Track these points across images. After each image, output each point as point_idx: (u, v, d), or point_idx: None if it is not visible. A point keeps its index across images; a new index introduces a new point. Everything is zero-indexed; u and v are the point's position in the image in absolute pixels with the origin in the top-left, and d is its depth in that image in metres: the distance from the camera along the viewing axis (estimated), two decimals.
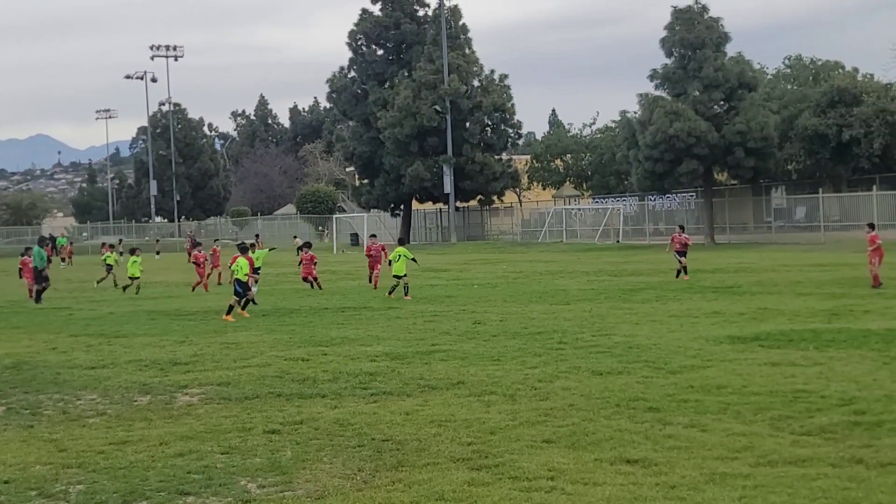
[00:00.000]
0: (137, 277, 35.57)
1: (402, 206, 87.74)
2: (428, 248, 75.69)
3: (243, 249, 27.05)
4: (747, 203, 68.57)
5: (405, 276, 29.00)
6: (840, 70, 70.36)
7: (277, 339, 20.00)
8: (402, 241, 26.66)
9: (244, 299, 25.71)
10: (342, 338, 19.91)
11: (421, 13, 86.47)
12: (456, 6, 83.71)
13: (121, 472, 9.97)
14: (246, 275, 25.58)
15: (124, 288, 35.89)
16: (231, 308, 25.03)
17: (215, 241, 39.04)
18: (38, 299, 31.70)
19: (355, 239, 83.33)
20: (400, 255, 29.20)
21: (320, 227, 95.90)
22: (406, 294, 28.66)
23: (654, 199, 72.35)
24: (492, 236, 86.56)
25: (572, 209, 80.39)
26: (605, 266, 41.93)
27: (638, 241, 68.10)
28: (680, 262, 33.07)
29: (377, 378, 14.81)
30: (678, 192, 69.53)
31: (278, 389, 14.10)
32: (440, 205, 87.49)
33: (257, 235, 66.03)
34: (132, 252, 37.01)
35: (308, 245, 35.19)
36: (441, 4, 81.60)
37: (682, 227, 35.89)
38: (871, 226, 29.51)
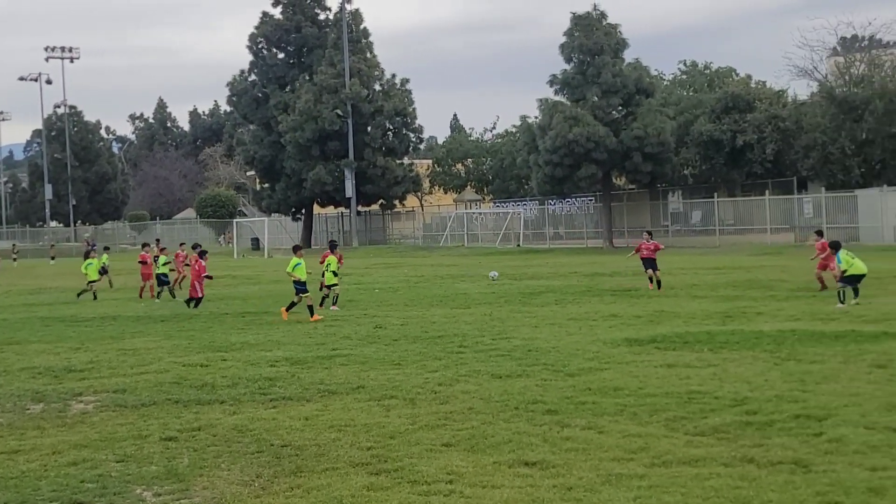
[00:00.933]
0: (94, 281, 34.22)
1: (303, 211, 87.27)
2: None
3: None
4: (645, 207, 69.57)
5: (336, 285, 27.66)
6: (734, 77, 71.83)
7: (176, 345, 19.75)
8: (297, 248, 25.92)
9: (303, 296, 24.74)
10: (242, 343, 19.74)
11: (322, 17, 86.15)
12: (357, 10, 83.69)
13: (12, 482, 9.77)
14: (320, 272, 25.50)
15: (79, 294, 34.44)
16: (310, 308, 24.31)
17: (181, 244, 37.25)
18: None
19: (256, 243, 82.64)
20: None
21: (220, 234, 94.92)
22: (334, 304, 26.84)
23: (554, 204, 73.00)
24: (393, 240, 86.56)
25: (473, 213, 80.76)
26: (505, 270, 42.18)
27: (538, 245, 68.67)
28: (650, 273, 29.47)
29: (277, 383, 14.72)
30: (578, 196, 70.21)
31: (176, 396, 13.93)
32: (342, 209, 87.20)
33: (158, 240, 64.71)
34: (86, 256, 36.05)
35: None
36: (342, 8, 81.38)
37: (649, 233, 32.23)
38: (820, 233, 29.54)
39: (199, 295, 28.56)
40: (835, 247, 25.22)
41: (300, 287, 24.77)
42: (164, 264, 33.02)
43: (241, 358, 17.50)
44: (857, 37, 62.89)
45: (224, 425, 11.95)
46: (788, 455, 9.64)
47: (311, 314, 24.11)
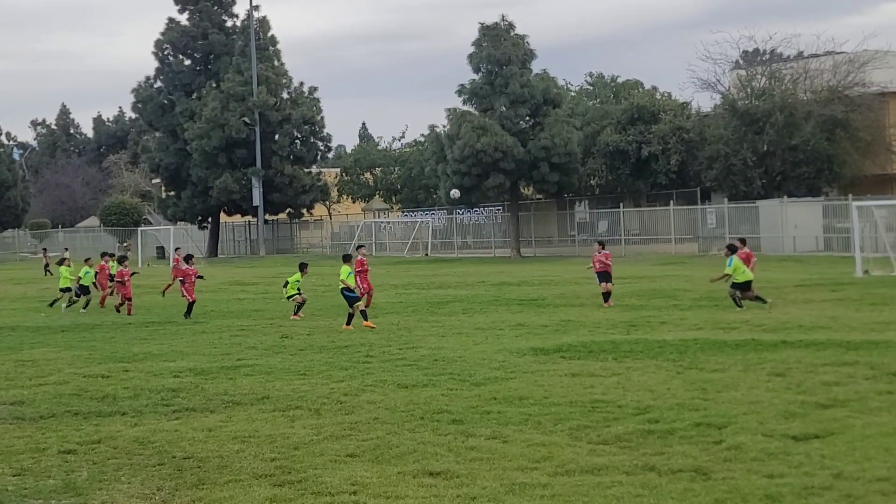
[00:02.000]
0: (68, 289, 32.98)
1: (209, 219, 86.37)
2: (236, 262, 74.80)
3: (346, 258, 25.14)
4: (552, 217, 70.17)
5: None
6: (639, 89, 72.82)
7: (76, 356, 19.39)
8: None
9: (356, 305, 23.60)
10: (145, 353, 19.46)
11: (229, 24, 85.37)
12: (265, 17, 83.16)
13: None
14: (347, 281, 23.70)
15: (53, 302, 33.23)
16: (364, 314, 23.42)
17: (176, 249, 35.81)
18: None
19: (161, 252, 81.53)
20: None
21: (124, 242, 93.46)
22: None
23: (463, 213, 73.30)
24: (301, 249, 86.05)
25: (382, 222, 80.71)
26: (413, 279, 42.25)
27: (446, 255, 68.85)
28: (604, 286, 27.75)
29: (180, 394, 14.53)
30: (486, 205, 70.62)
31: (76, 408, 13.67)
32: (249, 217, 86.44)
33: (66, 249, 63.27)
34: (61, 262, 34.89)
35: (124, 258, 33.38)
36: (250, 15, 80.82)
37: (601, 244, 29.74)
38: (742, 241, 29.31)
39: (193, 299, 27.73)
40: (731, 249, 26.42)
41: (352, 295, 23.62)
42: (86, 274, 31.89)
43: (144, 369, 17.25)
44: (759, 50, 64.18)
45: (125, 437, 11.76)
46: (689, 463, 9.78)
47: (365, 318, 23.20)
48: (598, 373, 15.27)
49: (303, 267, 28.55)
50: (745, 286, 25.07)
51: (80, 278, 31.76)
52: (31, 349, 20.84)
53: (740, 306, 24.70)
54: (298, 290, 27.56)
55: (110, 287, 32.23)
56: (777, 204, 53.07)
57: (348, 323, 23.26)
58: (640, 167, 63.15)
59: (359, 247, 31.70)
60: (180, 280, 28.74)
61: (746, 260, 27.42)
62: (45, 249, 69.03)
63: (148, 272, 60.21)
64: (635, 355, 16.94)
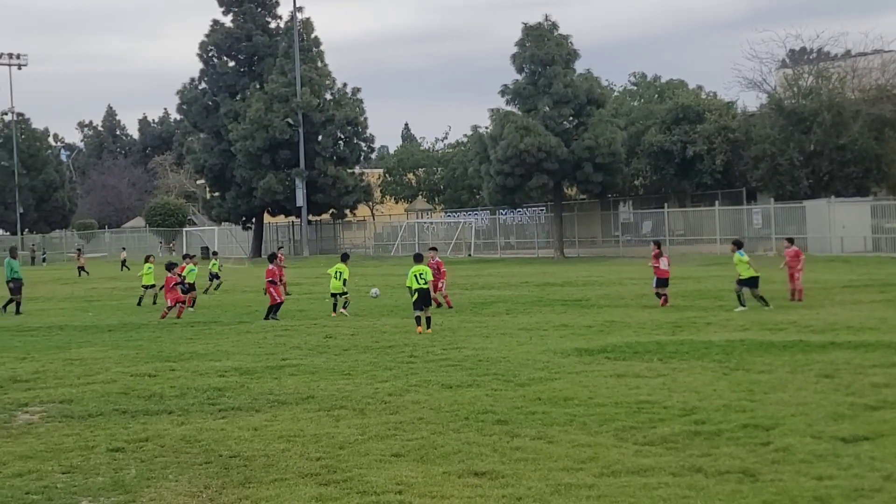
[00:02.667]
0: (152, 286, 33.57)
1: (253, 220, 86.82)
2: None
3: (418, 258, 24.27)
4: (596, 217, 69.93)
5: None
6: (684, 88, 72.42)
7: (124, 355, 19.55)
8: (420, 256, 24.44)
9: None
10: (191, 353, 19.59)
11: (273, 25, 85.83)
12: (308, 19, 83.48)
13: None
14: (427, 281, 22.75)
15: (140, 300, 33.67)
16: (423, 319, 22.49)
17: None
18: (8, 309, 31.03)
19: (206, 252, 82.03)
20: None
21: (169, 242, 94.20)
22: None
23: (506, 214, 73.22)
24: (344, 250, 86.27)
25: (424, 223, 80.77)
26: (456, 279, 42.20)
27: (489, 255, 68.78)
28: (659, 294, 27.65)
29: (226, 393, 14.61)
30: (529, 206, 70.51)
31: (123, 406, 13.78)
32: (292, 218, 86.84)
33: (123, 249, 63.70)
34: (146, 259, 35.40)
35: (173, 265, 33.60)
36: (293, 17, 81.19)
37: (657, 243, 29.49)
38: (790, 240, 29.46)
39: (280, 300, 27.67)
40: (737, 244, 26.76)
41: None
42: (191, 272, 32.08)
43: (190, 368, 17.35)
44: (806, 49, 63.66)
45: (172, 436, 11.83)
46: (736, 464, 9.70)
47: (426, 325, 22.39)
48: (644, 374, 15.19)
49: (345, 258, 29.32)
50: (751, 282, 25.43)
51: (184, 277, 31.64)
52: (79, 348, 21.05)
53: (743, 305, 25.05)
54: (344, 281, 27.99)
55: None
56: (824, 204, 52.55)
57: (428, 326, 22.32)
58: (685, 167, 62.81)
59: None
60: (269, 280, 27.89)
61: (795, 258, 27.51)
62: (79, 250, 69.80)
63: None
64: (681, 356, 16.84)
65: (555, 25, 63.57)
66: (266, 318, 26.73)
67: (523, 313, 26.17)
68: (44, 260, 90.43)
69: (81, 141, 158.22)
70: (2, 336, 24.31)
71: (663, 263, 27.79)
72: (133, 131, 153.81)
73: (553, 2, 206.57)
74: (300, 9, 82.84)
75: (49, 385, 15.93)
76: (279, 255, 34.01)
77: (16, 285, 31.25)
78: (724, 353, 16.89)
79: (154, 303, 33.07)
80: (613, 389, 13.92)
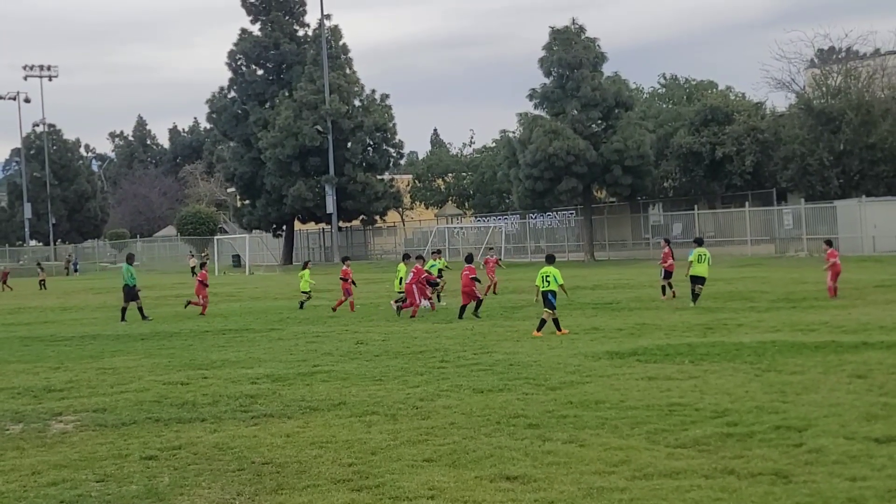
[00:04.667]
0: (308, 292, 34.26)
1: (284, 227, 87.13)
2: (311, 269, 75.25)
3: (550, 259, 23.93)
4: (626, 220, 69.75)
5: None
6: (713, 90, 72.14)
7: (156, 364, 19.67)
8: (552, 257, 24.50)
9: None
10: (223, 360, 19.68)
11: (301, 33, 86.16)
12: (336, 26, 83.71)
13: None
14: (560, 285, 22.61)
15: (301, 304, 34.03)
16: (544, 323, 22.18)
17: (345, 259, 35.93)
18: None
19: (237, 260, 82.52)
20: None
21: (202, 251, 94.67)
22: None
23: (535, 217, 73.16)
24: (375, 256, 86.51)
25: (455, 228, 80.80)
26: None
27: (520, 259, 68.69)
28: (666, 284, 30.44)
29: (258, 400, 14.67)
30: (558, 209, 70.44)
31: (156, 414, 13.86)
32: (323, 225, 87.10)
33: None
34: (304, 266, 36.51)
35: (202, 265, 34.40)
36: (321, 24, 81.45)
37: (667, 241, 32.34)
38: (829, 242, 30.07)
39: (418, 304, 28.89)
40: (698, 242, 29.13)
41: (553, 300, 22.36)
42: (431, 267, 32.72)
43: (222, 375, 17.44)
44: (834, 49, 63.32)
45: (205, 443, 11.90)
46: (769, 466, 9.66)
47: (540, 328, 22.11)
48: (675, 376, 15.15)
49: (406, 257, 31.88)
50: (697, 280, 27.74)
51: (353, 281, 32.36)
52: (112, 357, 21.19)
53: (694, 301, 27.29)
54: (401, 279, 30.13)
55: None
56: (855, 204, 52.22)
57: (539, 329, 22.09)
58: (715, 168, 62.57)
59: (490, 248, 33.82)
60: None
61: (828, 259, 27.83)
62: (70, 260, 70.22)
63: (224, 280, 60.93)
64: (712, 358, 16.78)
65: (582, 29, 63.58)
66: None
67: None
68: (76, 270, 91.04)
69: (112, 151, 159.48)
70: (36, 346, 24.51)
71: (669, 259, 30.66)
72: (163, 140, 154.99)
73: (580, 5, 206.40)
74: (328, 16, 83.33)
75: (82, 394, 16.04)
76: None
77: (132, 291, 31.43)
78: (755, 355, 16.82)
79: (301, 307, 33.42)
80: (645, 392, 13.89)
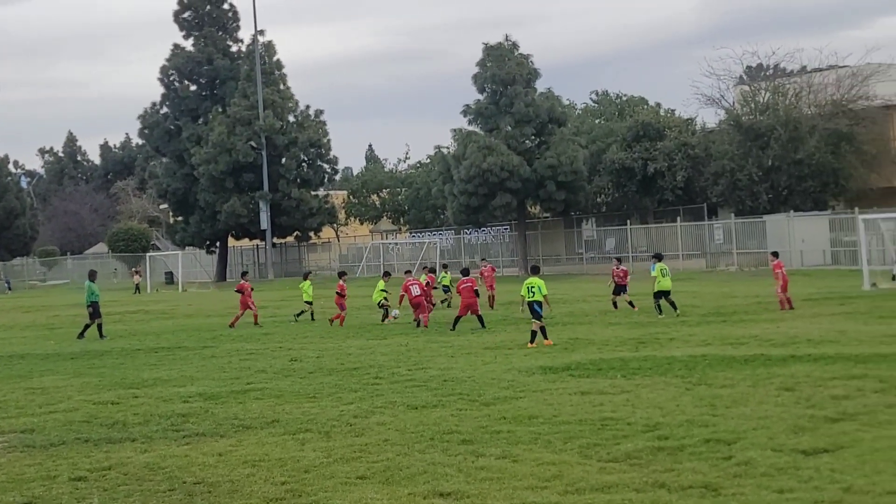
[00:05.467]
0: (310, 303, 34.40)
1: (217, 244, 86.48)
2: (312, 281, 74.72)
3: (534, 270, 24.63)
4: (559, 235, 70.18)
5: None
6: (644, 105, 72.94)
7: (86, 383, 19.42)
8: (536, 268, 25.09)
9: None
10: (154, 379, 19.48)
11: (234, 49, 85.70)
12: (270, 42, 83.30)
13: None
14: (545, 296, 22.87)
15: (296, 315, 34.36)
16: (535, 334, 22.37)
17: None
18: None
19: (170, 277, 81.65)
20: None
21: (134, 268, 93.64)
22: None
23: (470, 233, 73.37)
24: (310, 272, 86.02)
25: (389, 244, 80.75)
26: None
27: (454, 275, 68.67)
28: (613, 297, 31.87)
29: (190, 419, 14.55)
30: (493, 225, 70.68)
31: (86, 435, 13.69)
32: (257, 241, 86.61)
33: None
34: (305, 277, 37.00)
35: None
36: (255, 40, 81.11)
37: (619, 259, 34.43)
38: (775, 254, 30.90)
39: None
40: (657, 257, 30.06)
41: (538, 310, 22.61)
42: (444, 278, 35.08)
43: (154, 394, 17.27)
44: (762, 65, 64.32)
45: (135, 464, 11.77)
46: (699, 479, 9.77)
47: (532, 340, 22.25)
48: (608, 390, 15.27)
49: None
50: (664, 294, 28.60)
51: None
52: (40, 377, 20.88)
53: (661, 313, 28.10)
54: (385, 297, 30.87)
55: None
56: (784, 218, 53.05)
57: (532, 341, 22.29)
58: (647, 184, 63.21)
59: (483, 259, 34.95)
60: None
61: (775, 271, 28.68)
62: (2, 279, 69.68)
63: (157, 297, 60.32)
64: (644, 372, 16.93)
65: (515, 45, 64.01)
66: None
67: (488, 332, 26.21)
68: (9, 288, 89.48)
69: (42, 167, 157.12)
70: None
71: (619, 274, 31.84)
72: (94, 157, 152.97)
73: (514, 22, 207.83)
74: (261, 32, 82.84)
75: (10, 415, 15.80)
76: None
77: (94, 309, 30.95)
78: (686, 369, 17.01)
79: (312, 318, 33.71)
80: (577, 407, 13.98)
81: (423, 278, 33.10)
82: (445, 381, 17.07)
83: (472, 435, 12.37)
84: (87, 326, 30.84)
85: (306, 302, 34.58)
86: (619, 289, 31.65)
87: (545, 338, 22.45)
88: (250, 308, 33.11)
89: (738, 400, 13.82)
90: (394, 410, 14.44)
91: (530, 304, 22.75)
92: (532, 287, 22.78)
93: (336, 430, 13.22)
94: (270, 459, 11.60)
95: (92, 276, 32.35)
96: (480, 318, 27.57)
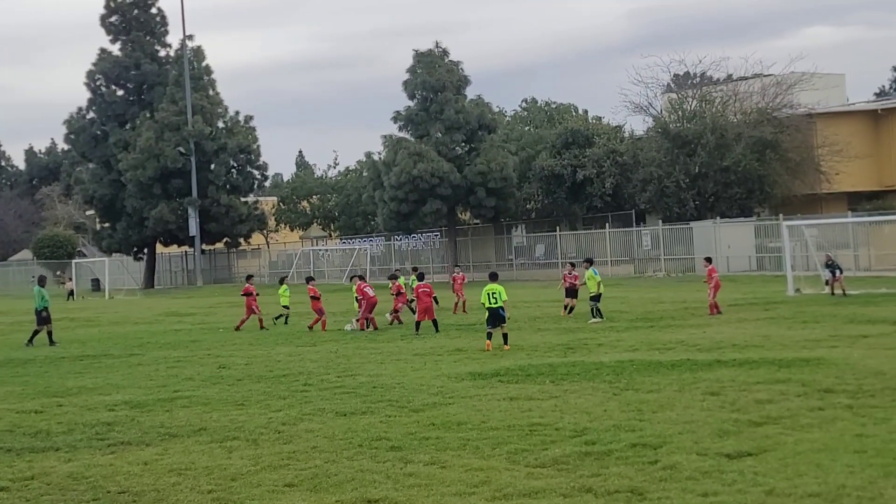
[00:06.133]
0: (287, 307, 34.52)
1: (145, 250, 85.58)
2: (173, 292, 74.12)
3: (493, 276, 24.59)
4: (490, 241, 70.43)
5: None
6: (573, 113, 73.45)
7: (9, 392, 19.08)
8: (494, 275, 25.34)
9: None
10: (79, 387, 19.21)
11: (162, 53, 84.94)
12: (199, 47, 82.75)
13: None
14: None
15: (275, 318, 34.51)
16: (506, 336, 22.93)
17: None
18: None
19: (96, 284, 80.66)
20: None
21: (58, 273, 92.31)
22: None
23: (401, 239, 73.36)
24: (239, 279, 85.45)
25: (320, 250, 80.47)
26: (351, 306, 42.05)
27: (384, 281, 68.61)
28: (567, 301, 31.43)
29: (115, 428, 14.37)
30: (423, 231, 70.73)
31: (8, 444, 13.46)
32: (185, 248, 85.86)
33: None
34: (281, 282, 36.89)
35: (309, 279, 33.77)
36: (183, 45, 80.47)
37: (572, 264, 34.19)
38: (709, 259, 31.44)
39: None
40: (589, 261, 30.78)
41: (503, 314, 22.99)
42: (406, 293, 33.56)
43: (78, 403, 17.02)
44: (689, 74, 65.09)
45: (59, 473, 11.60)
46: (625, 483, 9.86)
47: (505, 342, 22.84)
48: (536, 396, 15.34)
49: (360, 278, 32.19)
50: (597, 298, 28.92)
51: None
52: None
53: (601, 317, 28.33)
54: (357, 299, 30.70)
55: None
56: (710, 225, 53.75)
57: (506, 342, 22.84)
58: (576, 191, 63.66)
59: (456, 265, 35.30)
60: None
61: (709, 276, 29.03)
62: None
63: (83, 304, 59.51)
64: (572, 378, 17.03)
65: (445, 52, 64.21)
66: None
67: (418, 338, 26.22)
68: None
69: None
70: None
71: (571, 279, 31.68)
72: (19, 162, 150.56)
73: (444, 29, 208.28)
74: (190, 37, 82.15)
75: None
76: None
77: (46, 314, 30.37)
78: (614, 374, 17.14)
79: (286, 322, 33.95)
80: (506, 413, 14.03)
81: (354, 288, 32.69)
82: (374, 388, 17.05)
83: (401, 441, 12.36)
84: (35, 332, 30.35)
85: (283, 306, 34.80)
86: (570, 292, 31.53)
87: (505, 342, 22.79)
88: (255, 312, 32.84)
89: (664, 405, 13.96)
90: (322, 417, 14.39)
91: (494, 310, 22.86)
92: (493, 293, 23.01)
93: (264, 437, 13.14)
94: (197, 468, 11.50)
95: (41, 281, 31.87)
96: (435, 323, 27.79)
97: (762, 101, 58.82)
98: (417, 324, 27.80)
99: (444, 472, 10.73)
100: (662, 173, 57.96)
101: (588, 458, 11.01)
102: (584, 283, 29.97)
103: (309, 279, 33.92)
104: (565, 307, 31.29)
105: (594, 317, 28.48)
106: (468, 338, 25.84)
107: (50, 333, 30.28)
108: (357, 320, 30.30)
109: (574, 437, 12.14)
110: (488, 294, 23.08)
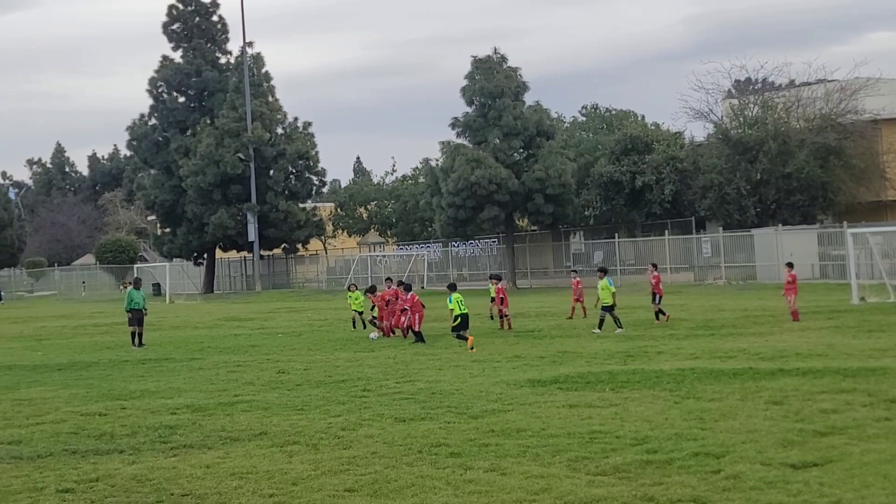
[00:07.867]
0: (361, 312, 34.38)
1: (205, 255, 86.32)
2: (232, 297, 74.69)
3: (452, 287, 27.37)
4: (547, 248, 70.22)
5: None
6: (633, 119, 73.00)
7: (73, 394, 19.35)
8: (604, 269, 26.93)
9: None
10: (142, 391, 19.42)
11: (223, 60, 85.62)
12: (258, 54, 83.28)
13: None
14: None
15: (354, 323, 34.62)
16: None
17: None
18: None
19: (157, 289, 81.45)
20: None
21: (122, 279, 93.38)
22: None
23: (458, 246, 73.35)
24: (297, 284, 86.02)
25: (377, 256, 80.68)
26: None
27: (442, 288, 68.71)
28: (655, 307, 31.45)
29: (177, 431, 14.50)
30: (481, 238, 70.67)
31: (73, 446, 13.64)
32: (244, 253, 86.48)
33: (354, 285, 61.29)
34: (349, 288, 36.93)
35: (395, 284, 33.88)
36: (243, 52, 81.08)
37: (654, 266, 34.13)
38: (790, 265, 31.07)
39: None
40: (603, 271, 30.14)
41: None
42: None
43: (141, 406, 17.21)
44: (751, 80, 64.45)
45: (123, 475, 11.73)
46: (687, 493, 9.77)
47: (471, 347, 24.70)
48: (596, 403, 15.25)
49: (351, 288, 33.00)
50: (610, 308, 28.35)
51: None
52: (28, 388, 20.80)
53: (600, 328, 27.99)
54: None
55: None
56: (772, 232, 53.14)
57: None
58: (635, 197, 63.25)
59: (492, 276, 35.18)
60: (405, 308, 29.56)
61: (793, 281, 29.39)
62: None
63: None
64: (632, 385, 16.93)
65: (504, 58, 64.06)
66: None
67: (476, 345, 26.16)
68: (0, 298, 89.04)
69: (30, 178, 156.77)
70: None
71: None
72: (82, 168, 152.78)
73: (502, 35, 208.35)
74: (250, 44, 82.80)
75: None
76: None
77: (132, 316, 30.94)
78: (675, 382, 17.01)
79: (364, 327, 33.31)
80: (566, 420, 13.97)
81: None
82: (433, 394, 17.05)
83: (461, 448, 12.34)
84: (139, 335, 30.80)
85: (357, 311, 34.59)
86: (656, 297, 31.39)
87: (464, 339, 25.27)
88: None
89: (726, 413, 13.82)
90: (381, 423, 14.41)
91: (465, 315, 26.15)
92: (461, 301, 26.19)
93: (324, 442, 13.18)
94: (258, 472, 11.57)
95: (137, 283, 32.41)
96: (405, 332, 28.98)
97: (825, 106, 58.06)
98: (417, 333, 28.01)
99: (504, 479, 10.69)
100: (723, 180, 57.43)
101: (649, 466, 10.93)
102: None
103: (372, 289, 33.40)
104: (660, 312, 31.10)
105: (599, 328, 28.07)
106: (526, 345, 25.78)
107: (140, 335, 30.72)
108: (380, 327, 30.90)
109: (635, 445, 12.05)
110: (458, 301, 26.12)
